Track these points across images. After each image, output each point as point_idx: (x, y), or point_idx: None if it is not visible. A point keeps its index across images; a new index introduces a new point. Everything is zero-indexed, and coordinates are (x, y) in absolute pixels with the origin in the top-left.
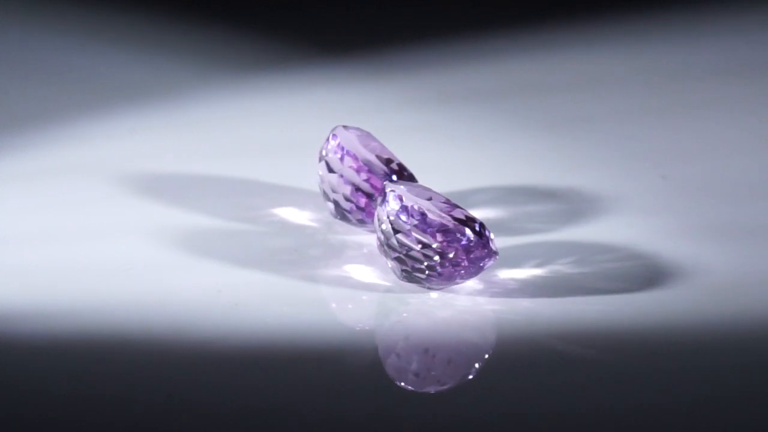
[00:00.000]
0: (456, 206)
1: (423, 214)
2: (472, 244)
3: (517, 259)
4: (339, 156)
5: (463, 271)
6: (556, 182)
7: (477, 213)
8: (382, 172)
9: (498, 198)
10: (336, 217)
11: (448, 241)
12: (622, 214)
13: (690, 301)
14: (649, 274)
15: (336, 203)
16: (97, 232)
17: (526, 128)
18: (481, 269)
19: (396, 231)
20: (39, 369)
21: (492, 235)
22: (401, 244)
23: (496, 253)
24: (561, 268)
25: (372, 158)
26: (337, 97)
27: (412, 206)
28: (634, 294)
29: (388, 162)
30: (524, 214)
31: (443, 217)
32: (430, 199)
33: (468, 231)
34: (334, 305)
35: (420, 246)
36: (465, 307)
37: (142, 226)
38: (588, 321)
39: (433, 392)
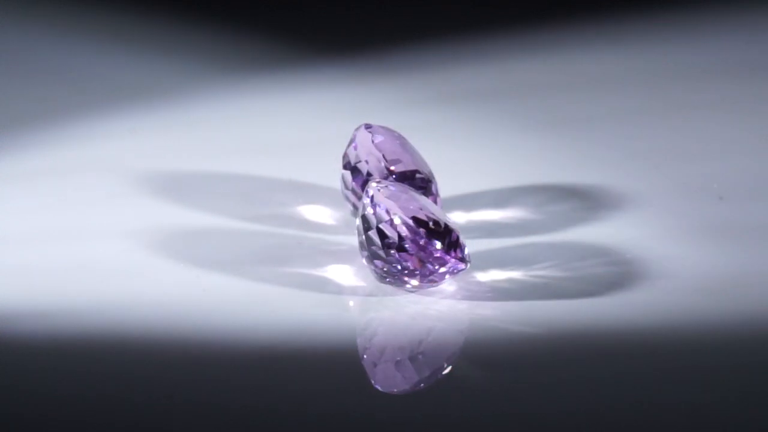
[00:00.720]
0: (429, 211)
1: (389, 215)
2: (433, 249)
3: (502, 261)
4: (354, 153)
5: (427, 274)
6: (555, 182)
7: (475, 214)
8: (386, 172)
9: (496, 198)
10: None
11: (410, 244)
12: (621, 215)
13: (676, 303)
14: (629, 279)
15: (347, 199)
16: (98, 232)
17: (526, 128)
18: (447, 274)
19: (366, 229)
20: (38, 369)
21: (464, 242)
22: (370, 243)
23: (463, 260)
24: (542, 272)
25: (379, 156)
26: (338, 97)
27: (380, 206)
28: (600, 298)
29: (394, 163)
30: (522, 215)
31: (407, 221)
32: (404, 201)
33: (428, 235)
34: (302, 305)
35: (384, 246)
36: (415, 311)
37: (142, 225)
38: (542, 329)
39: (394, 393)
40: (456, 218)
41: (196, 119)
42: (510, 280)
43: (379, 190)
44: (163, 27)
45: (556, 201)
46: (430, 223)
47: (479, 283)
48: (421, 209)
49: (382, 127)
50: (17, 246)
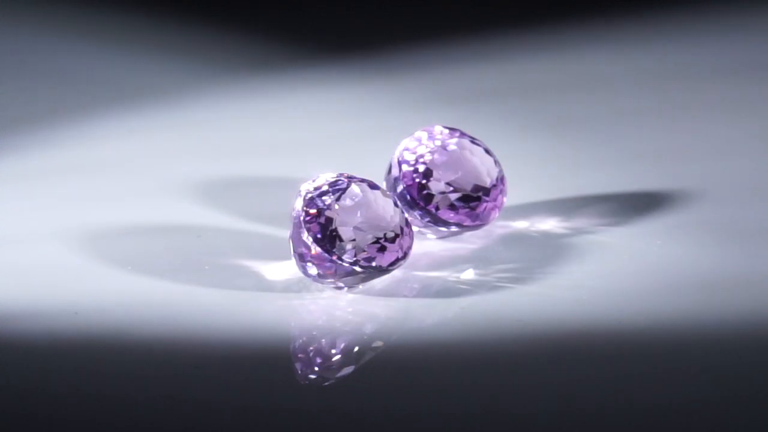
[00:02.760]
0: (338, 213)
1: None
2: (308, 249)
3: (463, 262)
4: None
5: (323, 272)
6: (555, 183)
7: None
8: (397, 175)
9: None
10: None
11: (292, 238)
12: (621, 216)
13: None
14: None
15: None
16: (98, 232)
17: (527, 128)
18: (339, 277)
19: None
20: (38, 369)
21: (368, 251)
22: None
23: (356, 269)
24: (489, 279)
25: (400, 158)
26: (338, 97)
27: (303, 195)
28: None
29: (415, 171)
30: (520, 216)
31: (307, 217)
32: (338, 198)
33: (309, 237)
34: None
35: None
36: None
37: (142, 225)
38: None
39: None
40: None
41: (195, 120)
42: (438, 279)
43: (313, 180)
44: (163, 27)
45: (555, 202)
46: (329, 231)
47: (405, 281)
48: (329, 209)
49: (435, 129)
50: (17, 246)
